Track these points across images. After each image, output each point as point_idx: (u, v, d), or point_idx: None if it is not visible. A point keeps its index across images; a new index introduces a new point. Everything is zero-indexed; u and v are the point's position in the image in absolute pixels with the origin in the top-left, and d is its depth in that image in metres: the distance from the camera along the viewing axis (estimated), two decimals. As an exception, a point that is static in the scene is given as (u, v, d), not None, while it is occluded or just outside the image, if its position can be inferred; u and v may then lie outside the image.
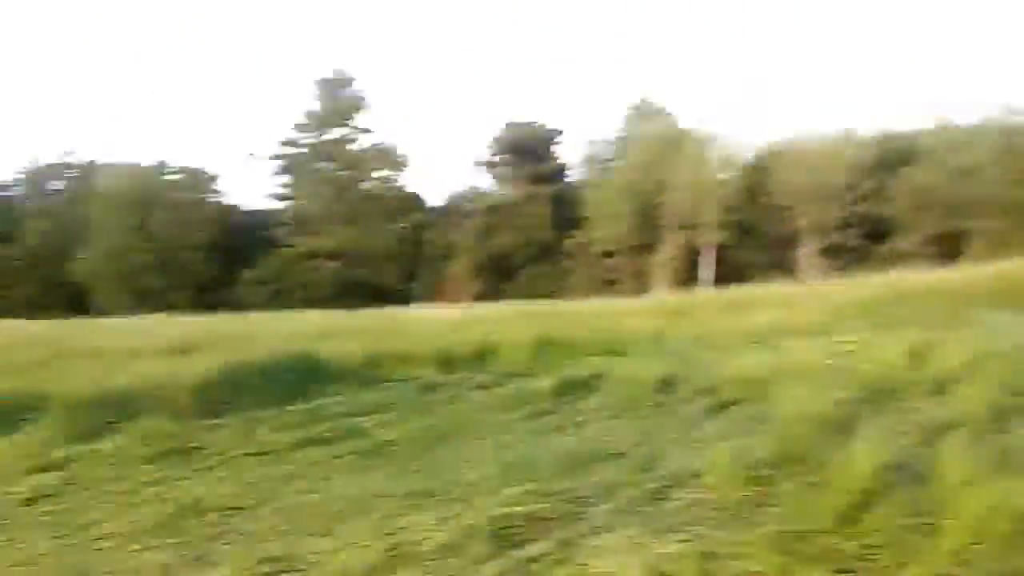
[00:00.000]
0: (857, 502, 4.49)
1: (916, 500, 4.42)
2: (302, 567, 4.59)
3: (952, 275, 19.08)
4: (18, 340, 15.86)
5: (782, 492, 4.94)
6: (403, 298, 40.64)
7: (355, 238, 48.61)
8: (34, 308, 44.15)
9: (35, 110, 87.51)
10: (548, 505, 5.19)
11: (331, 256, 47.98)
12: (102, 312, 38.23)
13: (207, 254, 48.45)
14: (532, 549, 4.52)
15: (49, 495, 6.50)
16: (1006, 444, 5.27)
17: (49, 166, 52.25)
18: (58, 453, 7.56)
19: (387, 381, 10.91)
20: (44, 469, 7.14)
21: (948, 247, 39.43)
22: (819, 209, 43.38)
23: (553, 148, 52.81)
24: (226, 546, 5.05)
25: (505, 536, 4.79)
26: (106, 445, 7.97)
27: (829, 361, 9.38)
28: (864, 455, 4.94)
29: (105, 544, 5.27)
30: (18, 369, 10.99)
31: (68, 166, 52.74)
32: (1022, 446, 5.16)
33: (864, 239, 44.06)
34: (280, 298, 42.83)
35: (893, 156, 46.14)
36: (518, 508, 5.14)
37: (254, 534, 5.25)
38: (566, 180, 53.14)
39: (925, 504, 4.36)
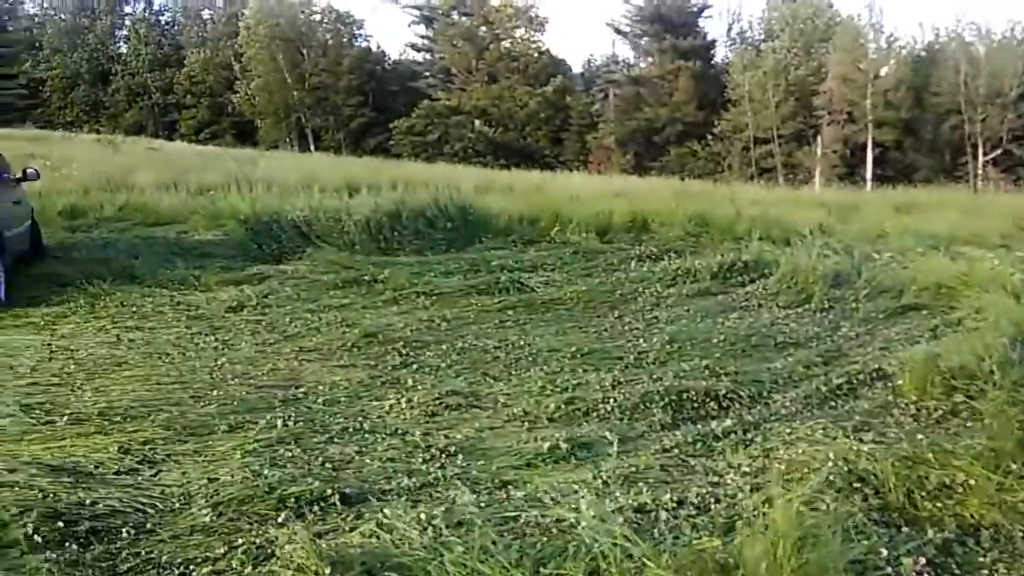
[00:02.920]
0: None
1: None
2: (487, 405, 4.77)
3: None
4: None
5: (984, 405, 4.63)
6: (549, 164, 40.43)
7: (497, 97, 48.04)
8: (203, 134, 46.95)
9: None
10: (726, 384, 5.12)
11: (474, 114, 47.68)
12: (268, 146, 40.09)
13: (357, 99, 49.23)
14: (713, 425, 4.44)
15: (251, 305, 7.11)
16: None
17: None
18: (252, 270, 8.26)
19: (545, 242, 11.01)
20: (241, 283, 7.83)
21: None
22: (993, 115, 38.88)
23: (699, 22, 49.26)
24: (415, 374, 5.33)
25: (683, 409, 4.76)
26: (293, 267, 8.56)
27: (1018, 275, 8.61)
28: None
29: (304, 357, 5.72)
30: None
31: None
32: None
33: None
34: (427, 151, 43.51)
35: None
36: (695, 383, 5.10)
37: (438, 368, 5.50)
38: (712, 57, 49.70)
39: None
